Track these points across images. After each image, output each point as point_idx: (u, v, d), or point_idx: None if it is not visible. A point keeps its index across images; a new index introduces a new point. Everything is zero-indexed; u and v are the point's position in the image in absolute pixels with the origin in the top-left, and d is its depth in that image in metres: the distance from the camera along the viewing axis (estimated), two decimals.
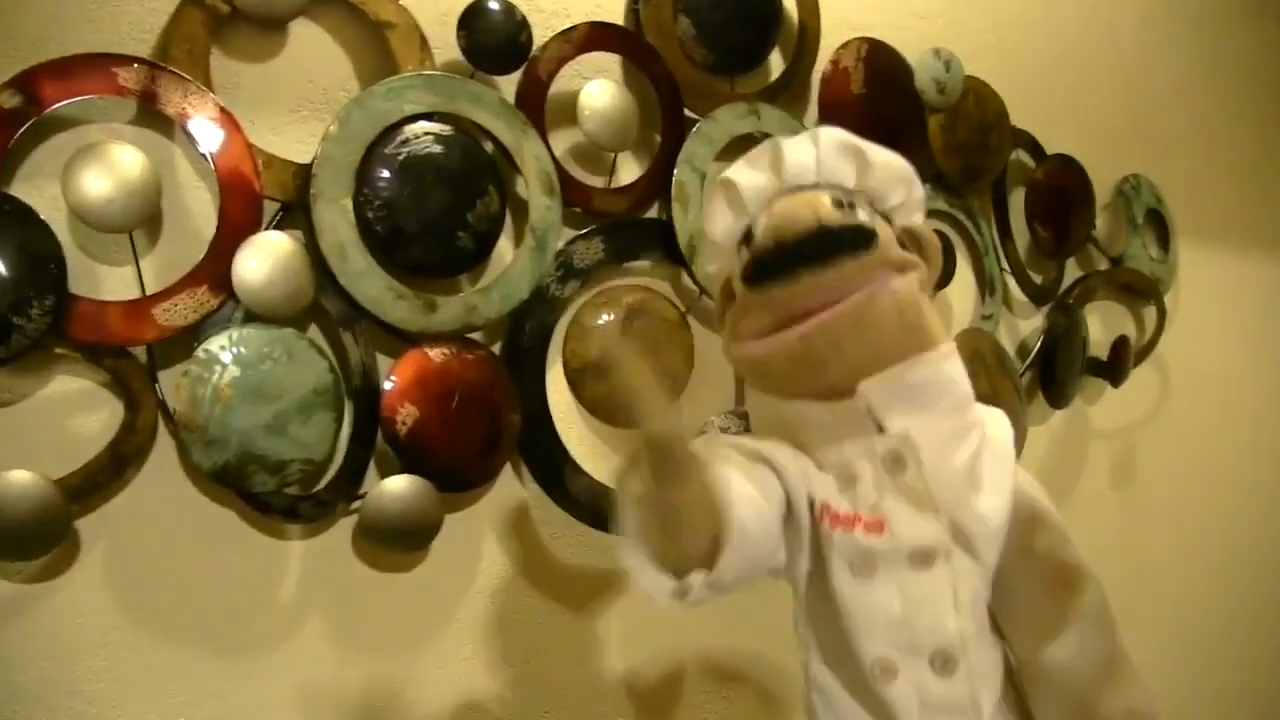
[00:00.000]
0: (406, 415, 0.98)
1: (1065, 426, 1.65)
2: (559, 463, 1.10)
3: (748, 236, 0.75)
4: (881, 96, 1.31)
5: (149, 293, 0.88)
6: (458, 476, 1.02)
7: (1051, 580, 0.73)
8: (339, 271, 0.95)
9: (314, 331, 0.98)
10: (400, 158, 0.97)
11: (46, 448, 0.86)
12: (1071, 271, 1.62)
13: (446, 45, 1.02)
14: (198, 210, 0.92)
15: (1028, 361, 1.54)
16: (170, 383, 0.89)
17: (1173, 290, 1.79)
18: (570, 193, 1.08)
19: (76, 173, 0.82)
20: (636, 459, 0.58)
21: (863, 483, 0.70)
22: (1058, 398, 1.56)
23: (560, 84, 1.09)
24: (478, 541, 1.08)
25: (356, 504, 0.98)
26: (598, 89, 1.08)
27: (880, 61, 1.32)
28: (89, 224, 0.84)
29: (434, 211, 0.98)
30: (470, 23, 1.01)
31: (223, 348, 0.88)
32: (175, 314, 0.88)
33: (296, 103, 0.98)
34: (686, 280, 1.19)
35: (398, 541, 0.99)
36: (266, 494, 0.92)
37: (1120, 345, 1.61)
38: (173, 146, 0.92)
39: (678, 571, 0.61)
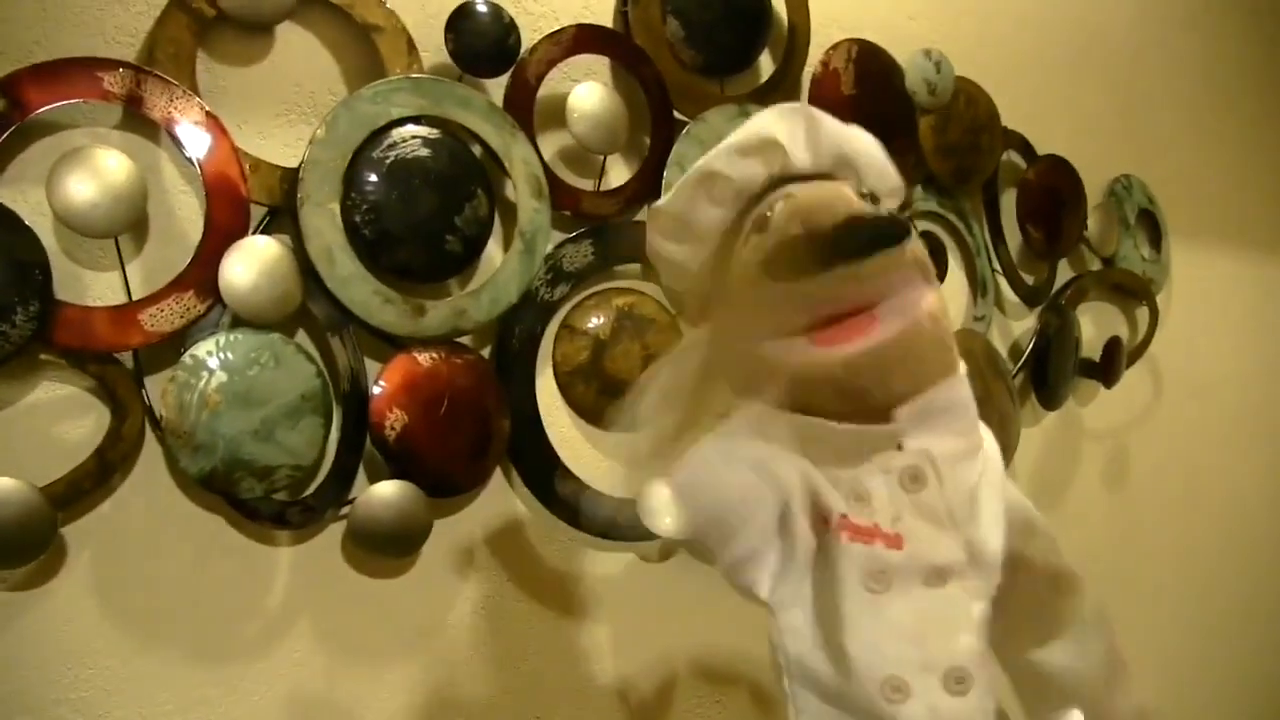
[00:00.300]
0: (395, 420, 0.98)
1: (1058, 428, 1.65)
2: (549, 467, 1.09)
3: (761, 224, 0.69)
4: (872, 98, 1.31)
5: (135, 298, 0.87)
6: (447, 481, 1.02)
7: (1047, 585, 0.73)
8: (326, 276, 0.94)
9: (301, 336, 0.97)
10: (388, 161, 0.97)
11: (32, 454, 0.85)
12: (1063, 272, 1.63)
13: (434, 48, 1.01)
14: (184, 215, 0.92)
15: (1020, 363, 1.55)
16: (157, 389, 0.88)
17: (1165, 291, 1.80)
18: (559, 196, 1.08)
19: (61, 178, 0.81)
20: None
21: (877, 498, 0.69)
22: (1050, 399, 1.56)
23: (549, 87, 1.08)
24: (468, 547, 1.07)
25: (345, 510, 0.98)
26: (586, 91, 1.08)
27: (871, 62, 1.32)
28: (74, 229, 0.83)
29: (422, 215, 0.98)
30: (458, 25, 1.01)
31: (210, 353, 0.88)
32: (161, 319, 0.87)
33: (283, 106, 0.98)
34: None
35: (387, 547, 0.98)
36: (254, 500, 0.92)
37: (1113, 346, 1.61)
38: (158, 151, 0.91)
39: None
